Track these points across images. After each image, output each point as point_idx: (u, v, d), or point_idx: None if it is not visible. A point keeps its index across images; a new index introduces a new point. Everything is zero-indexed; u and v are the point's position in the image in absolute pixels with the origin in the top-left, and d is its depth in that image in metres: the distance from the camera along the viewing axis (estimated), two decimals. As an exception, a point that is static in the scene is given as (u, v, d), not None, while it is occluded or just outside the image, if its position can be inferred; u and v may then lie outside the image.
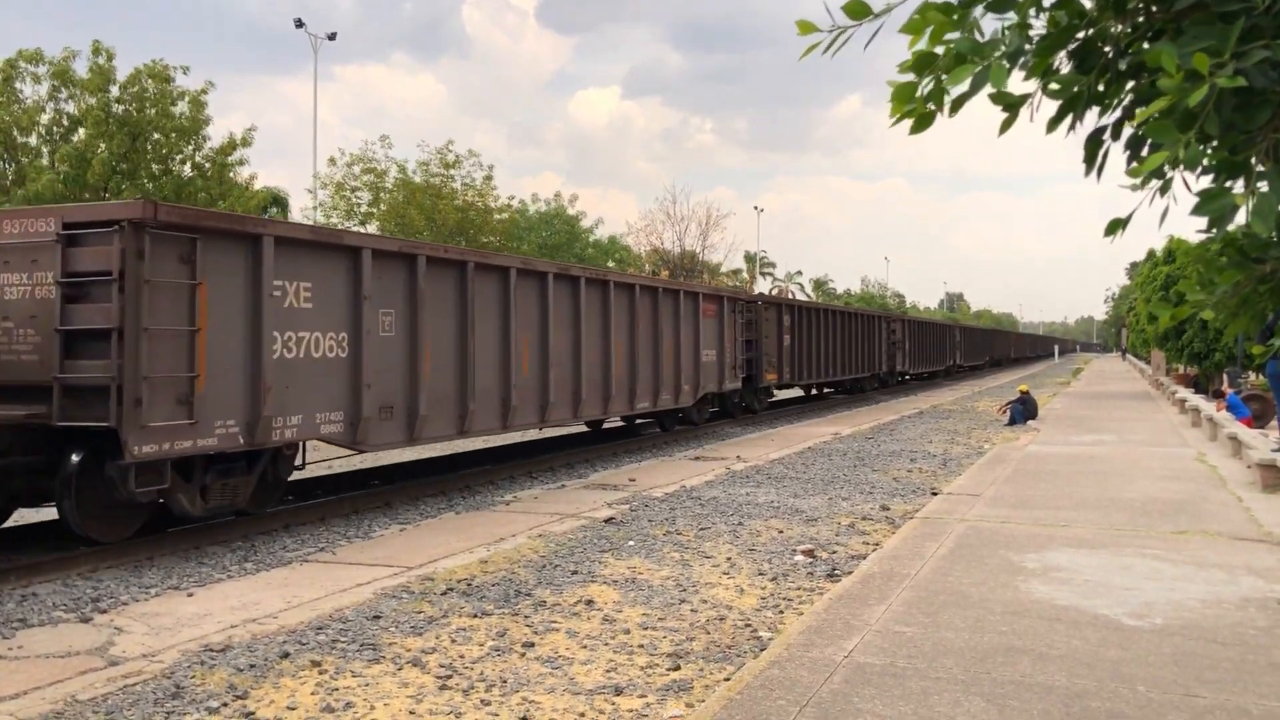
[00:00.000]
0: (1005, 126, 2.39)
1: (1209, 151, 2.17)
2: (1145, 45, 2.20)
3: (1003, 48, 2.21)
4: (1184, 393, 24.30)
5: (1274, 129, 2.08)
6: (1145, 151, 2.20)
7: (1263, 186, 2.06)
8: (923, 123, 2.33)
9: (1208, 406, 18.92)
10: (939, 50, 2.24)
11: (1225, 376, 24.79)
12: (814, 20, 2.28)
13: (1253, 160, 2.12)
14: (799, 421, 21.96)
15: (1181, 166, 2.06)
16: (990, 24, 2.31)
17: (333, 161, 36.40)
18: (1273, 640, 5.24)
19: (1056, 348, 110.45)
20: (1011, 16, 2.27)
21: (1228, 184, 2.15)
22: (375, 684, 5.02)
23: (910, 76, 2.29)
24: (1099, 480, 11.39)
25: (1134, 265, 68.90)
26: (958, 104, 2.29)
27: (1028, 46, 2.24)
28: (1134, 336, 47.14)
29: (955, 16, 2.23)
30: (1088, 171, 2.36)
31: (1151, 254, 33.96)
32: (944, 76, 2.24)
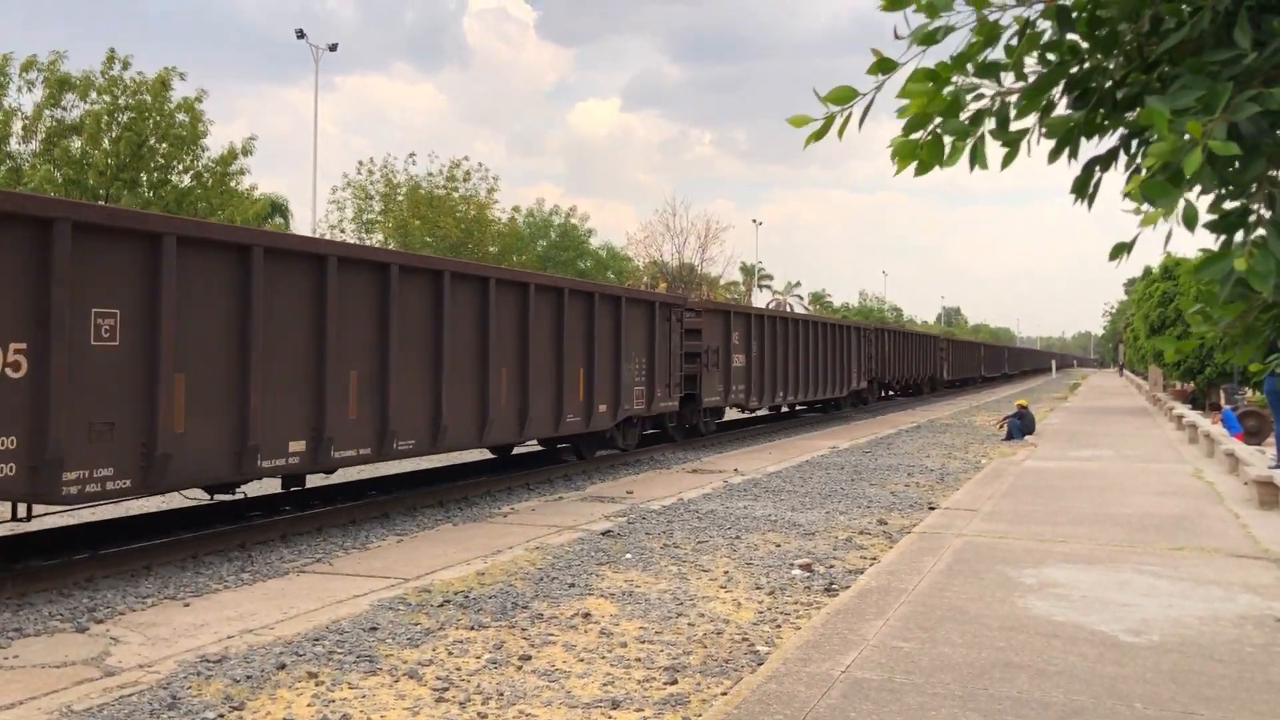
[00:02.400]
0: (1006, 162, 2.43)
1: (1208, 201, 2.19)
2: (1141, 76, 2.23)
3: (989, 121, 2.25)
4: (1181, 408, 24.33)
5: (1269, 180, 2.10)
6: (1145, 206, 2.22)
7: (1260, 233, 2.09)
8: (923, 168, 2.38)
9: (1204, 422, 18.95)
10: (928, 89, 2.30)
11: (1223, 393, 24.82)
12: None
13: (1250, 217, 2.13)
14: (808, 431, 21.98)
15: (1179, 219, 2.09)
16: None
17: (361, 164, 37.33)
18: (1270, 658, 5.25)
19: (1054, 362, 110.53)
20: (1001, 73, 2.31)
21: (1231, 236, 2.16)
22: (372, 696, 5.01)
23: (900, 114, 2.35)
24: (1096, 496, 11.40)
25: (1131, 281, 69.04)
26: (953, 158, 2.35)
27: (1011, 103, 2.29)
28: (1131, 352, 47.21)
29: (946, 84, 2.28)
30: (1078, 200, 2.38)
31: (1149, 271, 34.04)
32: (938, 123, 2.28)
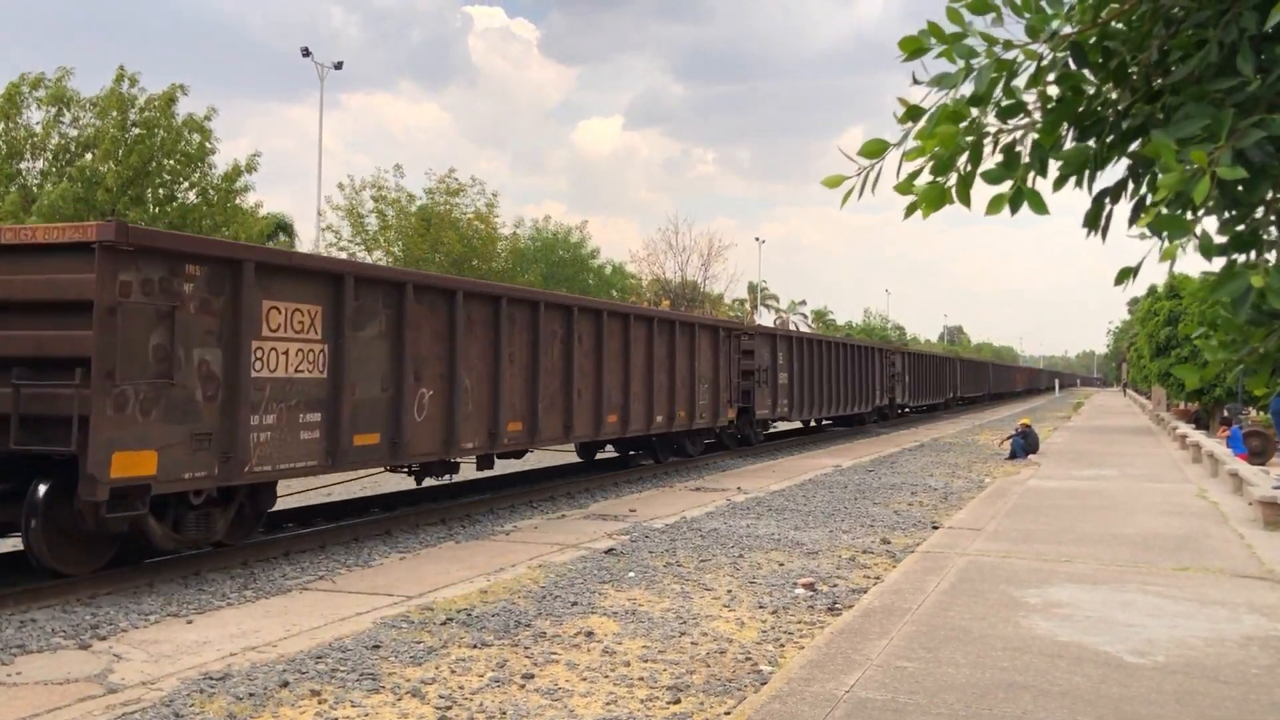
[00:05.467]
0: (1017, 204, 2.43)
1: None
2: (1146, 107, 2.24)
3: (1025, 160, 2.27)
4: (1185, 428, 24.29)
5: (1275, 202, 2.12)
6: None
7: (1271, 257, 2.11)
8: (932, 207, 2.40)
9: (1209, 442, 18.93)
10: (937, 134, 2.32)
11: (1227, 411, 24.78)
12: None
13: (1262, 234, 2.15)
14: (802, 452, 21.97)
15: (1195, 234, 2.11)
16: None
17: (341, 187, 36.85)
18: (1275, 679, 5.23)
19: (1057, 381, 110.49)
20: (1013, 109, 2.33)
21: (1240, 257, 2.19)
22: (374, 714, 5.00)
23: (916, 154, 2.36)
24: (1100, 515, 11.37)
25: (1135, 300, 69.04)
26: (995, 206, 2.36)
27: (1017, 139, 2.31)
28: (1134, 371, 47.19)
29: (965, 125, 2.29)
30: (1090, 233, 2.39)
31: (1153, 290, 34.04)
32: (965, 165, 2.30)
